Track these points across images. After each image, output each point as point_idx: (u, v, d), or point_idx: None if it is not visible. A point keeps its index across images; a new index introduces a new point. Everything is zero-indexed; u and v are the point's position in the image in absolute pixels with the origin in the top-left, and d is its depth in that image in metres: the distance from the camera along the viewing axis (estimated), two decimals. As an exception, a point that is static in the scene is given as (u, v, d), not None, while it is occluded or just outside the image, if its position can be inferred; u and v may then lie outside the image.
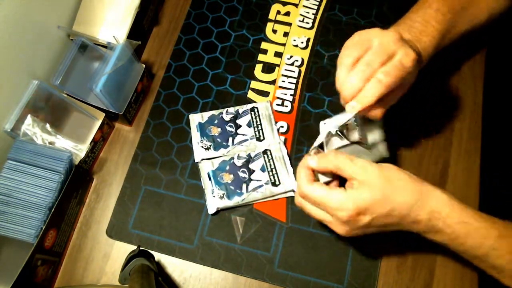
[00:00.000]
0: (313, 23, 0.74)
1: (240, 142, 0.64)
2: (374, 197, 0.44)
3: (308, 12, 0.74)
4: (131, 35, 0.66)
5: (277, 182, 0.60)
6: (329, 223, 0.47)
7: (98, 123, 0.62)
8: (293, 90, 0.69)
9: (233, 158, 0.62)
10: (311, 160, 0.49)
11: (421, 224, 0.46)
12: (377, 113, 0.50)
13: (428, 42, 0.53)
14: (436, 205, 0.45)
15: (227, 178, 0.61)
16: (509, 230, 0.46)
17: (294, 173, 0.61)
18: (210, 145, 0.63)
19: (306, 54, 0.71)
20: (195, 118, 0.66)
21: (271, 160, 0.62)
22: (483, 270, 0.49)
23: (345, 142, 0.51)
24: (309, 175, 0.48)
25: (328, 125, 0.51)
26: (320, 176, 0.51)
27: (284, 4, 0.75)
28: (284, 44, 0.72)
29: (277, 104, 0.68)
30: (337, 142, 0.52)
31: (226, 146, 0.63)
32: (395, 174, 0.46)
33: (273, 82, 0.69)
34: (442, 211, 0.45)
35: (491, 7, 0.59)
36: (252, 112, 0.65)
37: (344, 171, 0.46)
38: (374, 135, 0.54)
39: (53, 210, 0.54)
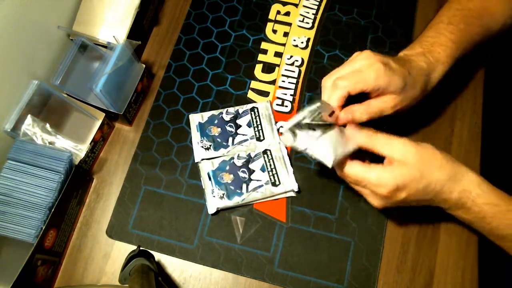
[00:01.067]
0: (313, 23, 0.74)
1: (240, 142, 0.64)
2: (412, 174, 0.47)
3: (308, 12, 0.74)
4: (131, 35, 0.66)
5: (277, 182, 0.60)
6: (366, 195, 0.51)
7: (98, 123, 0.62)
8: (293, 90, 0.69)
9: (233, 158, 0.62)
10: (344, 116, 0.50)
11: (451, 201, 0.49)
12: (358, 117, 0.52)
13: (442, 52, 0.54)
14: (467, 184, 0.48)
15: (227, 178, 0.61)
16: None
17: (294, 173, 0.61)
18: (210, 145, 0.63)
19: (306, 54, 0.71)
20: (195, 118, 0.66)
21: (271, 160, 0.62)
22: (506, 250, 0.50)
23: (317, 133, 0.51)
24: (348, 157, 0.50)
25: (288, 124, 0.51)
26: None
27: (284, 4, 0.75)
28: (284, 44, 0.72)
29: (277, 104, 0.68)
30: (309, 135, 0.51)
31: (226, 146, 0.63)
32: (431, 153, 0.48)
33: (273, 82, 0.69)
34: (473, 191, 0.48)
35: (506, 16, 0.59)
36: (252, 112, 0.65)
37: (381, 149, 0.49)
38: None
39: (53, 210, 0.54)
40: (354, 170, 0.49)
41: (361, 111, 0.51)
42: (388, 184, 0.47)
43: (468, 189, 0.48)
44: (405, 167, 0.47)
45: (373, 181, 0.48)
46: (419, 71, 0.53)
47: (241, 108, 0.66)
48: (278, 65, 0.70)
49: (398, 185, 0.47)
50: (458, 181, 0.48)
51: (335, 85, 0.50)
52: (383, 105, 0.52)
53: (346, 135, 0.51)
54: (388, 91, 0.50)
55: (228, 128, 0.64)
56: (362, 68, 0.50)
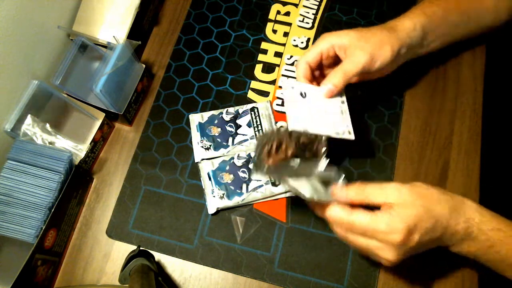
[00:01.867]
0: (313, 23, 0.74)
1: (240, 142, 0.64)
2: (418, 213, 0.43)
3: (308, 12, 0.74)
4: (131, 35, 0.66)
5: (277, 182, 0.60)
6: (378, 250, 0.45)
7: (98, 123, 0.63)
8: (293, 90, 0.68)
9: (233, 158, 0.62)
10: (340, 193, 0.47)
11: (458, 234, 0.45)
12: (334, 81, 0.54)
13: (408, 18, 0.57)
14: (469, 212, 0.45)
15: (227, 178, 0.61)
16: None
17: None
18: (210, 145, 0.63)
19: (306, 54, 0.71)
20: (195, 118, 0.66)
21: (271, 160, 0.62)
22: None
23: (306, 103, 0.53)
24: (347, 205, 0.46)
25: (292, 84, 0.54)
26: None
27: (284, 4, 0.75)
28: (284, 44, 0.72)
29: (277, 104, 0.68)
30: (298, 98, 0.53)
31: (226, 146, 0.63)
32: (425, 188, 0.46)
33: (273, 82, 0.69)
34: (476, 217, 0.45)
35: (500, 9, 0.60)
36: (252, 112, 0.65)
37: (375, 199, 0.45)
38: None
39: (53, 210, 0.54)
40: (359, 218, 0.44)
41: (334, 74, 0.53)
42: (399, 228, 0.43)
43: (471, 217, 0.45)
44: (408, 208, 0.44)
45: (383, 229, 0.43)
46: (379, 33, 0.55)
47: (241, 108, 0.66)
48: (278, 65, 0.70)
49: (410, 227, 0.43)
50: (460, 211, 0.45)
51: (296, 65, 0.53)
52: (353, 61, 0.53)
53: (332, 193, 0.47)
54: (347, 48, 0.54)
55: (228, 128, 0.64)
56: (316, 43, 0.56)
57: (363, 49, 0.53)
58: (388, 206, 0.44)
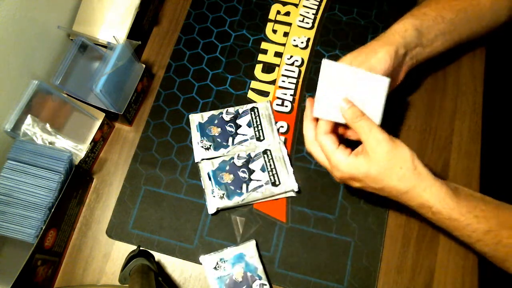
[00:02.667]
0: (313, 23, 0.73)
1: (240, 142, 0.64)
2: (369, 172, 0.48)
3: (308, 12, 0.74)
4: (131, 35, 0.66)
5: (277, 182, 0.60)
6: (328, 169, 0.53)
7: (98, 123, 0.63)
8: (293, 90, 0.69)
9: (233, 158, 0.62)
10: (345, 109, 0.51)
11: (411, 207, 0.50)
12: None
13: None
14: (428, 198, 0.48)
15: (227, 178, 0.61)
16: (497, 222, 0.48)
17: (294, 173, 0.61)
18: (210, 145, 0.63)
19: (306, 54, 0.71)
20: (195, 118, 0.66)
21: (271, 160, 0.62)
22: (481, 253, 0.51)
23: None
24: (327, 125, 0.52)
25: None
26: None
27: (284, 4, 0.75)
28: (284, 44, 0.72)
29: (277, 104, 0.68)
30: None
31: (226, 146, 0.63)
32: (402, 159, 0.48)
33: (273, 82, 0.69)
34: (433, 206, 0.48)
35: (496, 9, 0.59)
36: (252, 112, 0.65)
37: (361, 135, 0.50)
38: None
39: (53, 210, 0.54)
40: (326, 142, 0.51)
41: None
42: (342, 171, 0.50)
43: (428, 204, 0.48)
44: (367, 162, 0.48)
45: (333, 162, 0.50)
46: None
47: (241, 108, 0.66)
48: (278, 65, 0.70)
49: (352, 175, 0.49)
50: (416, 194, 0.48)
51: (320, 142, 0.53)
52: None
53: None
54: None
55: (228, 128, 0.64)
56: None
57: (362, 64, 0.53)
58: (361, 148, 0.50)
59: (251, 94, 0.68)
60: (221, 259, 0.56)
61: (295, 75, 0.70)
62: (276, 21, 0.74)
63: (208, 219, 0.61)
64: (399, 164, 0.48)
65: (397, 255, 0.58)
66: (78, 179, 0.59)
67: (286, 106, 0.67)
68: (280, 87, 0.69)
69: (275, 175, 0.61)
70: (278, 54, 0.71)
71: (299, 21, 0.74)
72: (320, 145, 0.52)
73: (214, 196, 0.60)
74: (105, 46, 0.64)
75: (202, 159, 0.63)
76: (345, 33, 0.72)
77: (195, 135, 0.65)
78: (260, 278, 0.56)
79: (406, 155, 0.48)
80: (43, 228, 0.53)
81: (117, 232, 0.61)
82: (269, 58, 0.71)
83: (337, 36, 0.72)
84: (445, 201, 0.48)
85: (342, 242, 0.59)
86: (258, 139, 0.64)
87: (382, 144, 0.48)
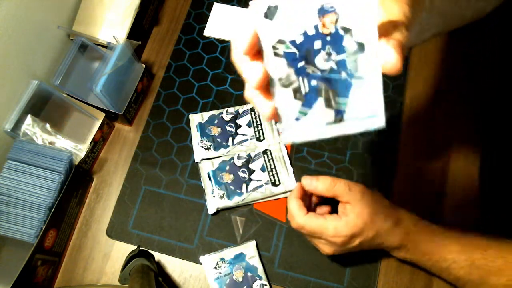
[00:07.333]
0: (313, 23, 0.73)
1: (240, 142, 0.64)
2: (366, 221, 0.49)
3: (308, 12, 0.74)
4: (131, 35, 0.66)
5: (277, 182, 0.60)
6: (321, 244, 0.52)
7: (98, 123, 0.62)
8: (293, 90, 0.68)
9: (233, 158, 0.62)
10: (308, 184, 0.51)
11: (395, 245, 0.51)
12: None
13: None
14: (407, 225, 0.51)
15: (227, 178, 0.61)
16: (470, 244, 0.50)
17: (294, 173, 0.61)
18: (210, 145, 0.63)
19: (306, 54, 0.71)
20: (195, 118, 0.66)
21: (271, 160, 0.62)
22: (454, 284, 0.53)
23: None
24: (302, 206, 0.51)
25: None
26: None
27: (284, 4, 0.75)
28: (284, 44, 0.72)
29: (277, 104, 0.67)
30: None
31: (226, 146, 0.63)
32: (379, 201, 0.51)
33: (273, 82, 0.69)
34: (411, 231, 0.51)
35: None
36: (252, 112, 0.65)
37: (341, 197, 0.50)
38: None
39: (53, 210, 0.54)
40: (311, 223, 0.49)
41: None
42: (345, 234, 0.49)
43: (406, 231, 0.50)
44: (359, 214, 0.49)
45: (330, 232, 0.49)
46: None
47: (241, 108, 0.66)
48: (278, 65, 0.70)
49: (354, 233, 0.49)
50: (400, 226, 0.50)
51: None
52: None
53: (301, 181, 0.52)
54: None
55: (228, 128, 0.64)
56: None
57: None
58: (344, 206, 0.50)
59: (251, 94, 0.68)
60: (221, 259, 0.56)
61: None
62: (276, 21, 0.74)
63: (208, 219, 0.61)
64: (380, 205, 0.51)
65: (397, 255, 0.58)
66: (78, 179, 0.59)
67: (286, 106, 0.67)
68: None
69: (275, 175, 0.61)
70: (278, 54, 0.71)
71: (299, 21, 0.74)
72: (305, 227, 0.50)
73: (214, 196, 0.60)
74: (105, 46, 0.64)
75: (202, 159, 0.63)
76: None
77: (195, 135, 0.65)
78: (260, 278, 0.56)
79: (379, 196, 0.52)
80: (43, 228, 0.53)
81: (117, 232, 0.61)
82: (269, 58, 0.71)
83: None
84: (419, 223, 0.51)
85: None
86: (258, 139, 0.64)
87: (364, 193, 0.50)
